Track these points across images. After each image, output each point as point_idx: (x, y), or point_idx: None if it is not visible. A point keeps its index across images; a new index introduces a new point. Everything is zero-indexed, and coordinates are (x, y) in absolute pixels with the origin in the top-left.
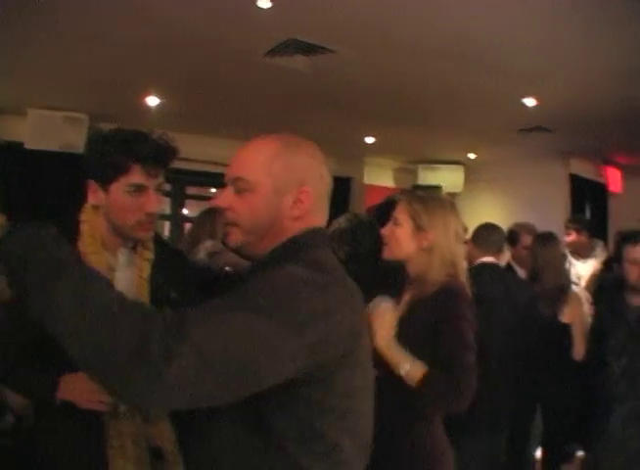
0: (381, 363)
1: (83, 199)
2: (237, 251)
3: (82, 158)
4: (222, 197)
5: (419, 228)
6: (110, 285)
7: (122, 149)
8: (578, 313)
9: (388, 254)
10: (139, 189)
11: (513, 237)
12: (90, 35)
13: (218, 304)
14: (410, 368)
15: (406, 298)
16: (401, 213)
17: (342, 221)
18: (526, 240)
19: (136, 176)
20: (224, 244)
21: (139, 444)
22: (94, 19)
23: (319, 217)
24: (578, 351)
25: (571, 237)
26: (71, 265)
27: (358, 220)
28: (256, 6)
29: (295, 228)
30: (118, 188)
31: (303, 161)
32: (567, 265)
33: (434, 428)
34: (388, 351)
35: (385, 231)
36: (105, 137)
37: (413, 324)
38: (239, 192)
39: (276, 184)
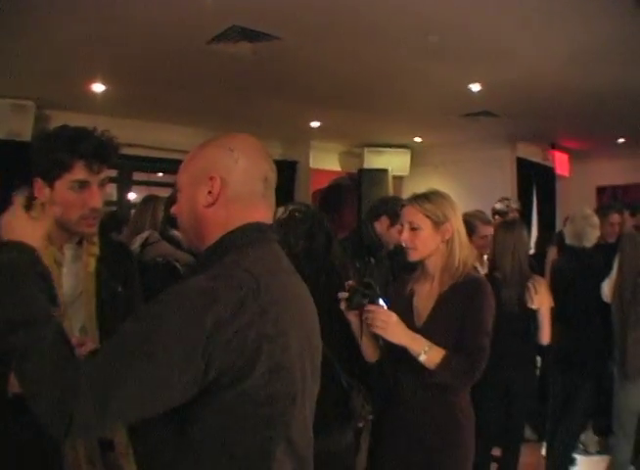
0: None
1: (30, 187)
2: (189, 250)
3: (29, 147)
4: (173, 207)
5: (437, 224)
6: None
7: (65, 146)
8: (546, 298)
9: (415, 256)
10: (82, 185)
11: (470, 227)
12: (36, 23)
13: (117, 340)
14: (428, 354)
15: (425, 290)
16: (414, 216)
17: (295, 211)
18: (484, 230)
19: (79, 173)
20: (161, 234)
21: None
22: (41, 6)
23: (252, 210)
24: (546, 335)
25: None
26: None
27: (312, 214)
28: None
29: (215, 217)
30: (62, 185)
31: (211, 152)
32: (528, 251)
33: (461, 398)
34: (408, 344)
35: (405, 237)
36: (49, 135)
37: (444, 316)
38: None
39: (190, 180)
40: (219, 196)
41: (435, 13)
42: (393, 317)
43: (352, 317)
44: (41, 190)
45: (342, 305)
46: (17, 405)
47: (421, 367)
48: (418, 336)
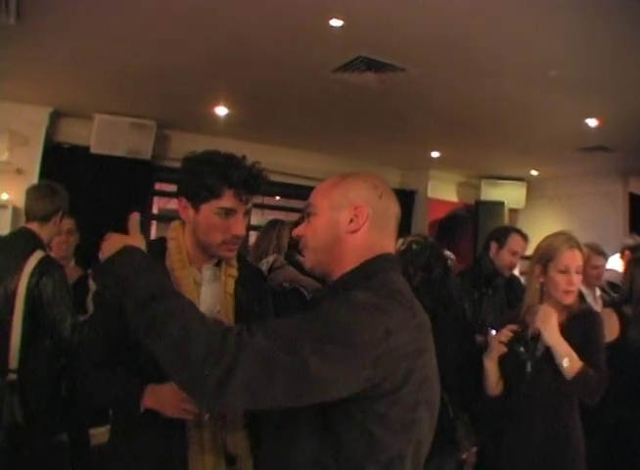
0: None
1: (147, 205)
2: (312, 272)
3: (148, 165)
4: (298, 228)
5: None
6: (194, 307)
7: (217, 173)
8: None
9: (573, 298)
10: (229, 213)
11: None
12: (161, 44)
13: (286, 323)
14: (571, 361)
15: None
16: (580, 262)
17: (413, 243)
18: (596, 260)
19: (228, 201)
20: (287, 259)
21: (217, 450)
22: (166, 28)
23: (386, 242)
24: None
25: None
26: (169, 294)
27: (430, 245)
28: (329, 24)
29: (355, 242)
30: (209, 209)
31: (357, 184)
32: None
33: (575, 420)
34: (558, 344)
35: (578, 283)
36: (200, 159)
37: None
38: (308, 218)
39: (332, 204)
40: (363, 225)
41: (557, 48)
42: (555, 316)
43: (492, 361)
44: (185, 210)
45: (497, 349)
46: (144, 421)
47: (537, 390)
48: (564, 342)
